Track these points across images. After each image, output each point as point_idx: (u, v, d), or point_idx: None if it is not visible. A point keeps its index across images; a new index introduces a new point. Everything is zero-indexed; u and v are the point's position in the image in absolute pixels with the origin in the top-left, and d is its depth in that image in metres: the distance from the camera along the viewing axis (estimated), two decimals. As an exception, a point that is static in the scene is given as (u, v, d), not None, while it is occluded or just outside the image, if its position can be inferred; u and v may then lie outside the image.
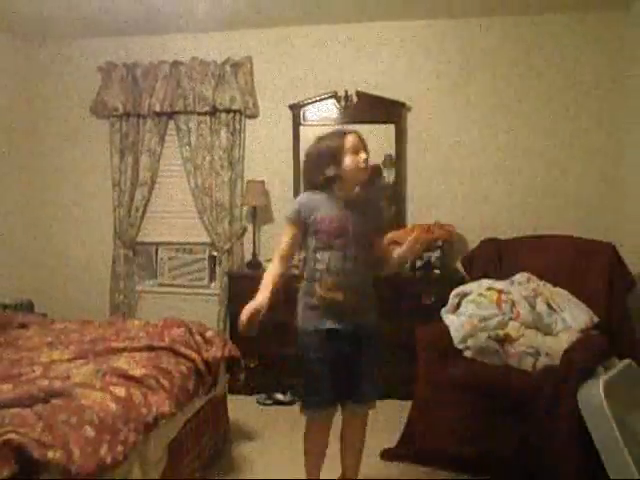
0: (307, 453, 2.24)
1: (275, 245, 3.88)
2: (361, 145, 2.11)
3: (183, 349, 2.36)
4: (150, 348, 2.32)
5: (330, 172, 2.06)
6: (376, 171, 3.72)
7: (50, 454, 1.48)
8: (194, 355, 2.37)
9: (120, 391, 1.88)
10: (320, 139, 2.15)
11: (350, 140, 2.08)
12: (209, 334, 2.63)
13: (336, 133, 2.14)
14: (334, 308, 2.06)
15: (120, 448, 1.69)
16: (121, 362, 2.14)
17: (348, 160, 2.06)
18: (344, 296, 2.04)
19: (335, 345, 2.06)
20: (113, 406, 1.78)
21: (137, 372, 2.05)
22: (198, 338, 2.52)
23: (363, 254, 2.09)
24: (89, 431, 1.64)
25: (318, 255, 2.07)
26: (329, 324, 2.06)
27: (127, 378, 2.00)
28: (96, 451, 1.61)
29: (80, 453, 1.55)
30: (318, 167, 2.09)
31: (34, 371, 2.06)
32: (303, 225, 2.09)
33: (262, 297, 2.01)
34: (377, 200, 2.11)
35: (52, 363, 2.16)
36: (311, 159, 2.15)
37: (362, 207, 2.14)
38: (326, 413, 2.13)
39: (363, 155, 2.08)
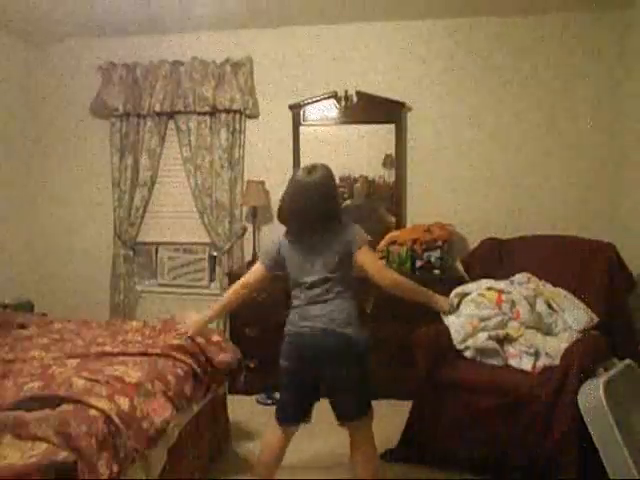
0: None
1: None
2: None
3: (179, 355, 2.33)
4: (145, 353, 2.30)
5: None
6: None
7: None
8: (190, 360, 2.35)
9: (119, 400, 1.85)
10: (327, 169, 2.15)
11: None
12: (215, 338, 2.64)
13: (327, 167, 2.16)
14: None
15: (117, 467, 1.69)
16: (116, 367, 2.12)
17: None
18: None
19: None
20: (115, 418, 1.76)
21: (133, 378, 2.02)
22: (200, 340, 2.52)
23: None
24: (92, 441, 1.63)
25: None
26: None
27: (123, 384, 1.97)
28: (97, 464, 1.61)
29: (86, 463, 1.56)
30: (339, 199, 2.25)
31: (32, 374, 2.06)
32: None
33: (438, 295, 2.32)
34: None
35: (47, 367, 2.14)
36: (336, 190, 2.19)
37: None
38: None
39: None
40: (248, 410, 3.30)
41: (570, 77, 3.60)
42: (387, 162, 3.79)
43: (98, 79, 4.06)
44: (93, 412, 1.72)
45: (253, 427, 3.08)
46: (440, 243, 3.51)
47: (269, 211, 3.95)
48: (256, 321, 3.55)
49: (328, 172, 2.12)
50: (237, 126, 3.91)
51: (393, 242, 3.58)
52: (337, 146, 3.79)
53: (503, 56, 3.66)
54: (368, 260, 2.08)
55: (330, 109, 3.79)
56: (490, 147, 3.73)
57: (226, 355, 2.58)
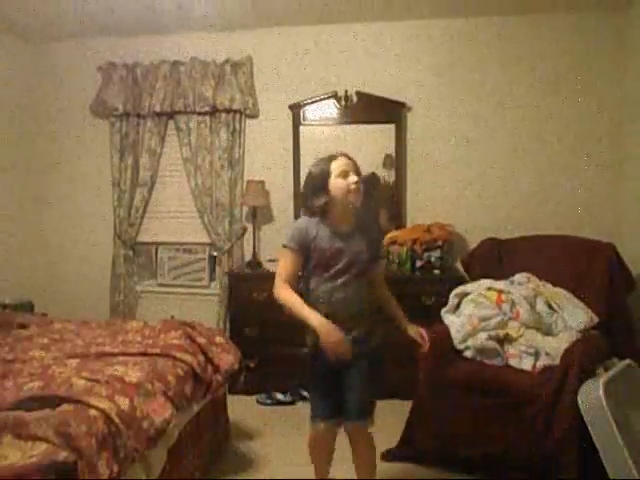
0: (313, 461, 2.25)
1: (275, 247, 3.87)
2: (351, 167, 2.06)
3: (179, 354, 2.33)
4: (145, 353, 2.30)
5: (320, 200, 2.01)
6: (372, 181, 3.73)
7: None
8: (190, 359, 2.35)
9: (119, 400, 1.85)
10: (312, 165, 2.12)
11: (337, 163, 2.03)
12: (218, 339, 2.64)
13: (324, 158, 2.09)
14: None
15: (117, 467, 1.68)
16: (116, 367, 2.11)
17: (336, 184, 2.01)
18: (336, 323, 1.99)
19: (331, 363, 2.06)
20: (115, 418, 1.76)
21: (133, 378, 2.02)
22: (202, 340, 2.51)
23: (358, 282, 2.05)
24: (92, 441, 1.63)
25: (312, 282, 2.05)
26: None
27: (123, 384, 1.96)
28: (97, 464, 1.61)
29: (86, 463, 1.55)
30: (309, 195, 2.07)
31: (32, 374, 2.05)
32: (304, 251, 2.02)
33: (318, 319, 1.91)
34: (374, 226, 2.09)
35: (47, 367, 2.14)
36: (305, 186, 2.13)
37: (359, 234, 2.08)
38: (324, 425, 2.14)
39: (353, 178, 2.02)
40: (248, 410, 3.30)
41: (570, 77, 3.60)
42: (387, 162, 3.79)
43: (98, 79, 4.06)
44: (93, 412, 1.72)
45: (253, 427, 3.08)
46: (440, 243, 3.51)
47: (269, 211, 3.96)
48: (256, 321, 3.55)
49: (320, 164, 2.06)
50: (237, 126, 3.91)
51: (393, 242, 3.58)
52: (337, 146, 3.69)
53: (503, 56, 3.66)
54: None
55: (330, 109, 3.79)
56: (490, 147, 3.72)
57: (229, 357, 2.58)
